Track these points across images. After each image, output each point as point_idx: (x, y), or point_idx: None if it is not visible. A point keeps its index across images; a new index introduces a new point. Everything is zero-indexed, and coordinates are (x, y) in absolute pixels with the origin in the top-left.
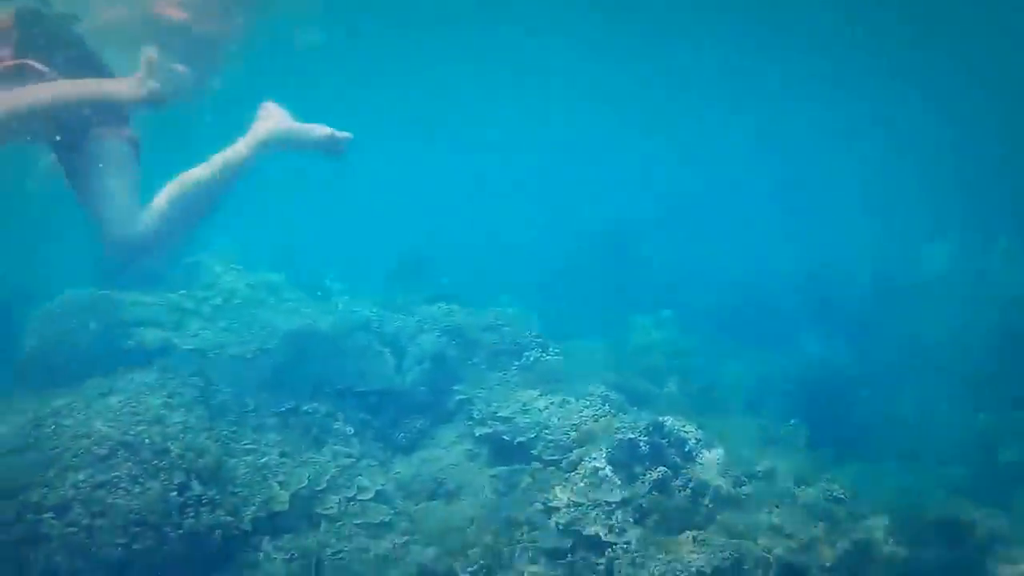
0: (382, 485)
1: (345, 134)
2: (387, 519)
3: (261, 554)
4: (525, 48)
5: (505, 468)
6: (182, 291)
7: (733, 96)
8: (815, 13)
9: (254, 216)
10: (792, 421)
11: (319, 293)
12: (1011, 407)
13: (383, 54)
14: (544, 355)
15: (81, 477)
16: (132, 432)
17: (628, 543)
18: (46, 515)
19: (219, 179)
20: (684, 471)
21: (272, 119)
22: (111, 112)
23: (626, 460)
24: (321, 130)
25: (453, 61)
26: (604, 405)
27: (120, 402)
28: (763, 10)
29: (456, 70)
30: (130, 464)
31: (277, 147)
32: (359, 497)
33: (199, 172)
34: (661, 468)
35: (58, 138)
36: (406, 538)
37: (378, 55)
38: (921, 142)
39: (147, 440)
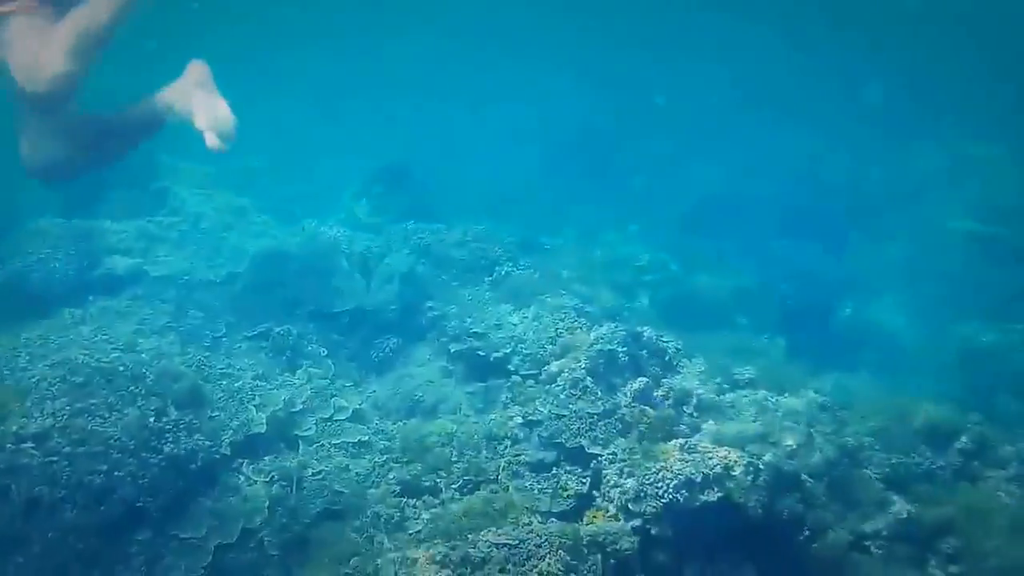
0: (359, 405)
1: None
2: (365, 438)
3: (242, 477)
4: None
5: (482, 384)
6: (149, 218)
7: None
8: None
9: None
10: (768, 333)
11: (286, 215)
12: (989, 316)
13: None
14: (515, 270)
15: (59, 406)
16: (106, 360)
17: (614, 454)
18: (26, 445)
19: (135, 123)
20: (665, 381)
21: (185, 88)
22: None
23: (605, 371)
24: (213, 112)
25: None
26: (578, 318)
27: (93, 330)
28: None
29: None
30: (106, 391)
31: (177, 118)
32: (336, 417)
33: (119, 116)
34: (642, 378)
35: None
36: (386, 456)
37: None
38: (898, 51)
39: (121, 367)
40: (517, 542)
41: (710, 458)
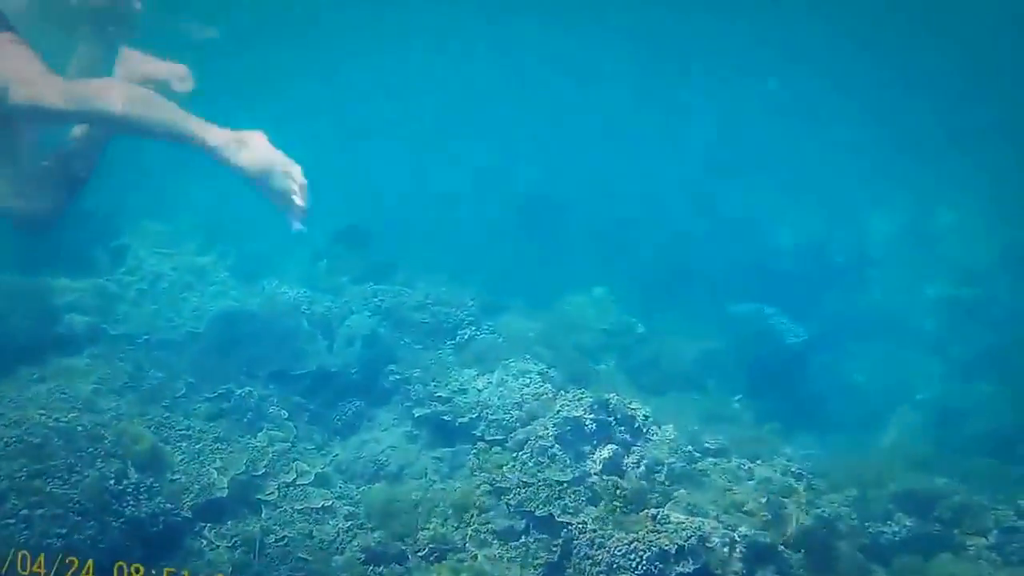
0: (321, 469)
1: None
2: (329, 503)
3: (204, 541)
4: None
5: (448, 449)
6: (107, 276)
7: (657, 58)
8: None
9: (178, 196)
10: (739, 396)
11: (246, 275)
12: (960, 378)
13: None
14: (478, 333)
15: (16, 466)
16: (65, 419)
17: (584, 523)
18: None
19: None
20: (635, 448)
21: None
22: None
23: (573, 439)
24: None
25: (379, 35)
26: (544, 384)
27: (50, 389)
28: None
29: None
30: (65, 452)
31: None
32: (299, 482)
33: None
34: (611, 446)
35: None
36: (350, 523)
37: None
38: (863, 108)
39: (80, 427)
40: None
41: (684, 529)
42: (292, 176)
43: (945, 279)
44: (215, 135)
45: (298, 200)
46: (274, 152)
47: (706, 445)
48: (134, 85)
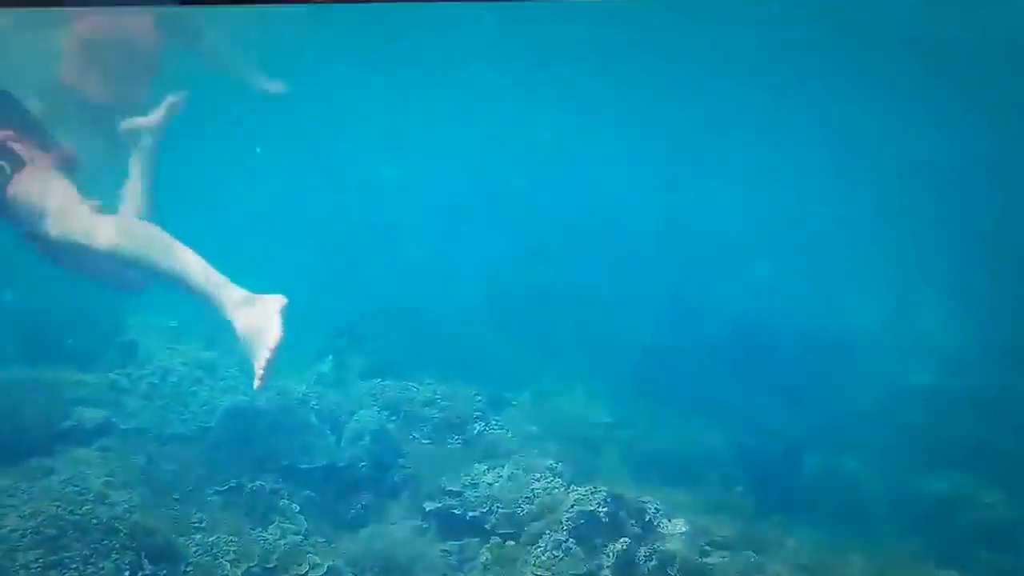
0: (332, 562)
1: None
2: None
3: None
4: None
5: (457, 543)
6: (117, 371)
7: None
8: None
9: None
10: (738, 488)
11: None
12: (954, 467)
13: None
14: (487, 429)
15: (31, 557)
16: (79, 512)
17: None
18: None
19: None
20: (647, 541)
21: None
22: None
23: (586, 532)
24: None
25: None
26: (554, 478)
27: (63, 482)
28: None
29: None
30: (80, 544)
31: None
32: (311, 574)
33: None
34: (624, 539)
35: None
36: None
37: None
38: (853, 192)
39: (94, 520)
40: None
41: None
42: (266, 351)
43: (933, 368)
44: (229, 294)
45: (260, 371)
46: (271, 323)
47: (714, 538)
48: (158, 230)
